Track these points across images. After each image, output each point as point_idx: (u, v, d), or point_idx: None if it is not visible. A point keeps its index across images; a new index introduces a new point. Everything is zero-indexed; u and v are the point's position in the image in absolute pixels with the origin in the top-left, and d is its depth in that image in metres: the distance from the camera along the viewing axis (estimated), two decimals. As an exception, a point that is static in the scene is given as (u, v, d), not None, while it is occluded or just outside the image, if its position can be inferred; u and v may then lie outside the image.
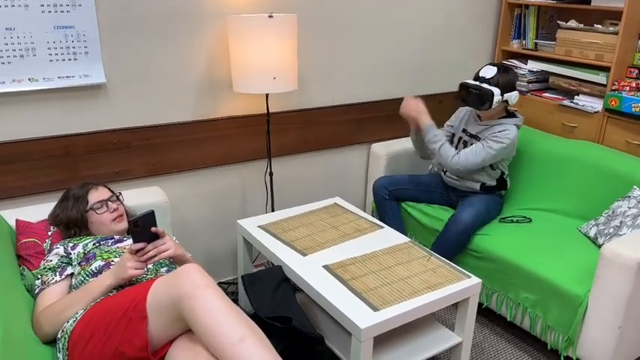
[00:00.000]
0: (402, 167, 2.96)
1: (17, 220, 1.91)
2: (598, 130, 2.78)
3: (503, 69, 2.45)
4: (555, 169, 2.70)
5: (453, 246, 2.42)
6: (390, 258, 2.07)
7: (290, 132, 2.71)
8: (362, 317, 1.71)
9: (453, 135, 2.70)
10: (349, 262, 2.03)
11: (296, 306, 1.87)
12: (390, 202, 2.70)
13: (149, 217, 1.62)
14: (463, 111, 2.74)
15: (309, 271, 1.96)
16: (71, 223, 1.86)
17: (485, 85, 2.43)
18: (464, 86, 2.50)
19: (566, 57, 2.90)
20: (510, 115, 2.56)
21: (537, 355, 2.29)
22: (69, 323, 1.54)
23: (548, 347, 2.18)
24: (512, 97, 2.45)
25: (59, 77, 2.06)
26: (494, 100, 2.39)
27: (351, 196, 3.10)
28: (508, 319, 2.33)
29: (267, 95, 2.42)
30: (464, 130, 2.65)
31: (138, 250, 1.61)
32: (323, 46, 2.69)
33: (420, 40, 3.01)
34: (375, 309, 1.75)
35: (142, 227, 1.61)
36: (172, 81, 2.32)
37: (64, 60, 2.05)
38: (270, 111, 2.60)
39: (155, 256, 1.63)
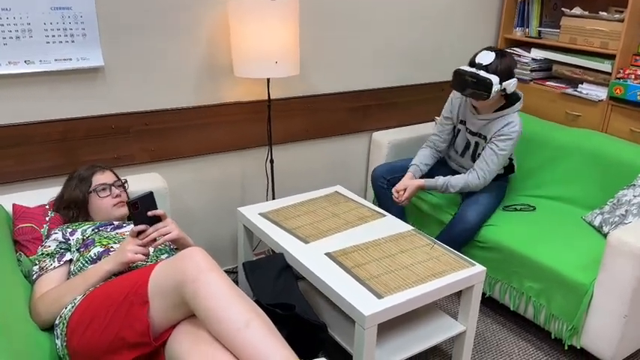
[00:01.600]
0: (404, 155, 2.92)
1: (14, 205, 1.87)
2: (602, 119, 2.75)
3: (501, 54, 2.26)
4: (559, 157, 2.67)
5: (458, 243, 2.38)
6: (393, 246, 2.04)
7: (291, 119, 2.68)
8: (366, 304, 1.68)
9: (454, 127, 2.56)
10: (352, 249, 2.00)
11: (298, 294, 1.84)
12: (388, 192, 2.65)
13: (148, 199, 1.58)
14: (457, 99, 2.52)
15: (312, 258, 1.94)
16: (72, 203, 1.84)
17: (482, 73, 2.23)
18: (459, 74, 2.29)
19: (570, 45, 2.87)
20: (509, 101, 2.38)
21: (540, 345, 2.28)
22: (67, 309, 1.51)
23: (552, 336, 2.16)
24: (511, 85, 2.25)
25: (56, 60, 2.01)
26: (493, 90, 2.19)
27: (352, 184, 3.07)
28: (511, 309, 2.31)
29: (268, 80, 2.38)
30: (462, 122, 2.50)
31: (139, 233, 1.58)
32: (325, 33, 2.65)
33: (422, 28, 2.97)
34: (379, 296, 1.72)
35: (142, 209, 1.57)
36: (172, 65, 2.28)
37: (61, 42, 2.00)
38: (272, 97, 2.56)
39: (156, 239, 1.60)
